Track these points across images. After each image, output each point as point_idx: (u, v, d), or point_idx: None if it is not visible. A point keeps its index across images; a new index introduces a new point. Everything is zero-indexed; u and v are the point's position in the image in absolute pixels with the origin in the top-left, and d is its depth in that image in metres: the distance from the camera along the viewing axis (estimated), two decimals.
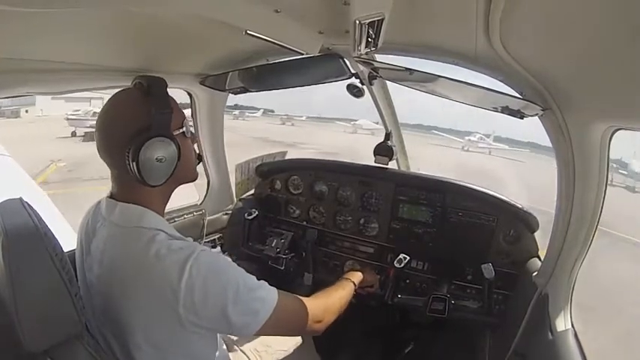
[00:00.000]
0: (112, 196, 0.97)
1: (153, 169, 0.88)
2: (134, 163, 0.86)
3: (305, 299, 1.08)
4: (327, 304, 1.15)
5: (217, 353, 1.05)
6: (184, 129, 0.98)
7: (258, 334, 0.94)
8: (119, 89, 0.96)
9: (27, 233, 0.75)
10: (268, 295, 0.95)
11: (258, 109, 35.95)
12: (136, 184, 0.90)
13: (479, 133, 27.33)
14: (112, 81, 1.35)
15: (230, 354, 1.30)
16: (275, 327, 0.97)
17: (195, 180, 1.07)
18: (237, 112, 30.16)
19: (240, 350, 1.36)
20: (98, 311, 0.94)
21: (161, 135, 0.89)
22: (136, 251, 0.87)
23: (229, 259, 0.97)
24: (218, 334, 1.09)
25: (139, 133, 0.87)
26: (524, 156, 25.93)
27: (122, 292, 0.88)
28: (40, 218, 0.81)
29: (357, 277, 1.43)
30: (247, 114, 32.78)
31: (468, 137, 26.97)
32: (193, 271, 0.84)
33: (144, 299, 0.86)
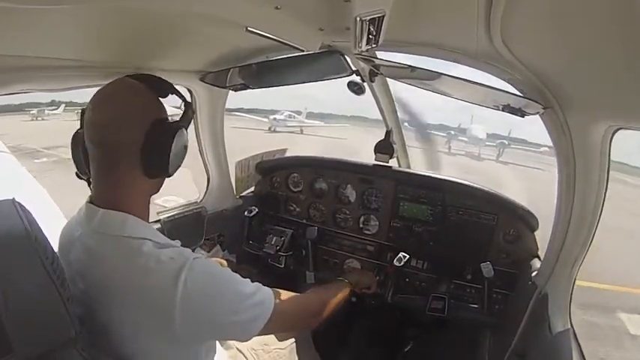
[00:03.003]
0: (92, 202, 0.90)
1: (178, 157, 0.90)
2: (157, 151, 0.86)
3: (300, 296, 1.08)
4: (321, 300, 1.15)
5: (215, 354, 1.04)
6: None
7: (257, 335, 0.93)
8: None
9: (16, 237, 0.72)
10: (265, 298, 0.94)
11: (60, 104, 23.45)
12: (120, 187, 0.88)
13: (287, 111, 24.68)
14: (111, 78, 1.34)
15: (227, 353, 1.29)
16: (274, 327, 0.96)
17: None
18: (35, 110, 21.64)
19: (238, 349, 1.36)
20: (85, 322, 0.88)
21: (184, 127, 0.93)
22: (121, 266, 0.83)
23: (223, 267, 0.96)
24: None
25: (161, 122, 0.88)
26: (341, 130, 23.82)
27: (110, 306, 0.84)
28: (33, 220, 0.77)
29: (352, 278, 1.43)
30: (47, 112, 22.88)
31: (274, 116, 24.09)
32: (188, 283, 0.81)
33: (135, 314, 0.83)
